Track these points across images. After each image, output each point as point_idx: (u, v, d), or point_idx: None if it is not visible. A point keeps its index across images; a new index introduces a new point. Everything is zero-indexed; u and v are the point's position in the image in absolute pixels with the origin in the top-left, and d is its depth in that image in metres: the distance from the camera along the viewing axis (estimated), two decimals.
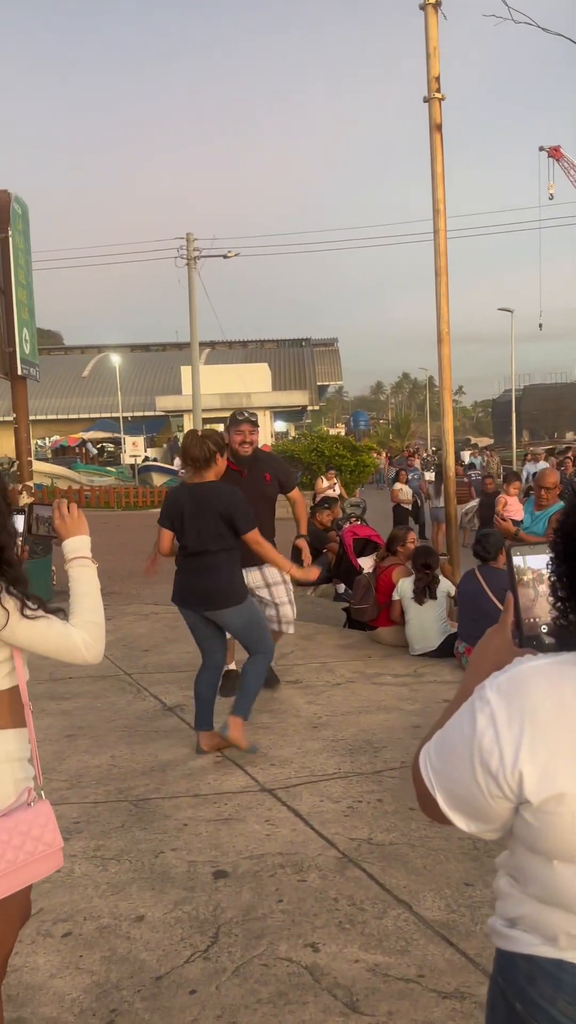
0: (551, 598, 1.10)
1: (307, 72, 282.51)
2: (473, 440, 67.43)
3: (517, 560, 1.18)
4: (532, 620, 1.17)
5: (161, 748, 4.65)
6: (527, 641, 1.16)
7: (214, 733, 4.58)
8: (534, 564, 1.18)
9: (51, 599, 2.49)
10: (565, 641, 1.08)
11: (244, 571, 4.89)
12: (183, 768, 4.35)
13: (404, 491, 16.15)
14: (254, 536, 4.42)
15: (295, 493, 5.75)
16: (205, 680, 4.61)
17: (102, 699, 5.61)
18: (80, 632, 1.96)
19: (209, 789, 4.08)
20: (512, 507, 10.20)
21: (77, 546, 2.11)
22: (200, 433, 4.50)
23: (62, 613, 1.99)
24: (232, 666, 5.69)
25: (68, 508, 2.15)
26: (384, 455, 38.20)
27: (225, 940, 2.81)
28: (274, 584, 5.46)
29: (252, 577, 5.18)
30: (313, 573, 5.04)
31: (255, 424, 5.45)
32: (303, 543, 5.88)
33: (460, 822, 1.12)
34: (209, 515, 4.32)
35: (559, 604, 1.08)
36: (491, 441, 62.87)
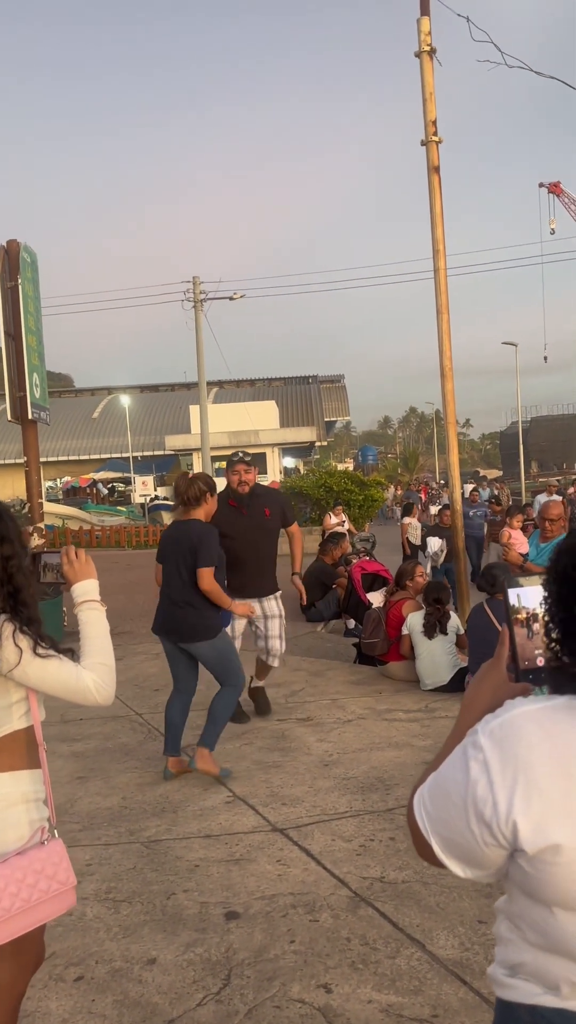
0: (545, 638, 1.10)
1: (311, 114, 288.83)
2: (482, 472, 67.48)
3: (512, 595, 1.17)
4: (530, 655, 1.15)
5: (172, 789, 4.65)
6: (523, 676, 1.15)
7: (183, 759, 4.81)
8: (529, 600, 1.17)
9: (62, 640, 2.53)
10: (559, 683, 1.07)
11: (244, 601, 5.20)
12: (194, 808, 4.35)
13: (413, 525, 16.15)
14: (206, 573, 4.60)
15: (294, 527, 5.93)
16: (175, 706, 4.83)
17: (113, 740, 5.61)
18: (91, 674, 2.00)
19: (220, 829, 4.07)
20: (516, 539, 10.18)
21: (86, 590, 2.16)
22: (190, 475, 4.83)
23: (71, 653, 2.03)
24: (260, 683, 6.04)
25: (76, 554, 2.20)
26: (396, 487, 38.27)
27: (237, 982, 2.80)
28: (270, 617, 5.69)
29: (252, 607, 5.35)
30: (244, 609, 5.09)
31: (249, 464, 5.68)
32: (297, 582, 6.07)
33: (455, 867, 1.11)
34: (184, 550, 4.63)
35: (552, 644, 1.07)
36: (500, 473, 62.87)
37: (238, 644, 5.41)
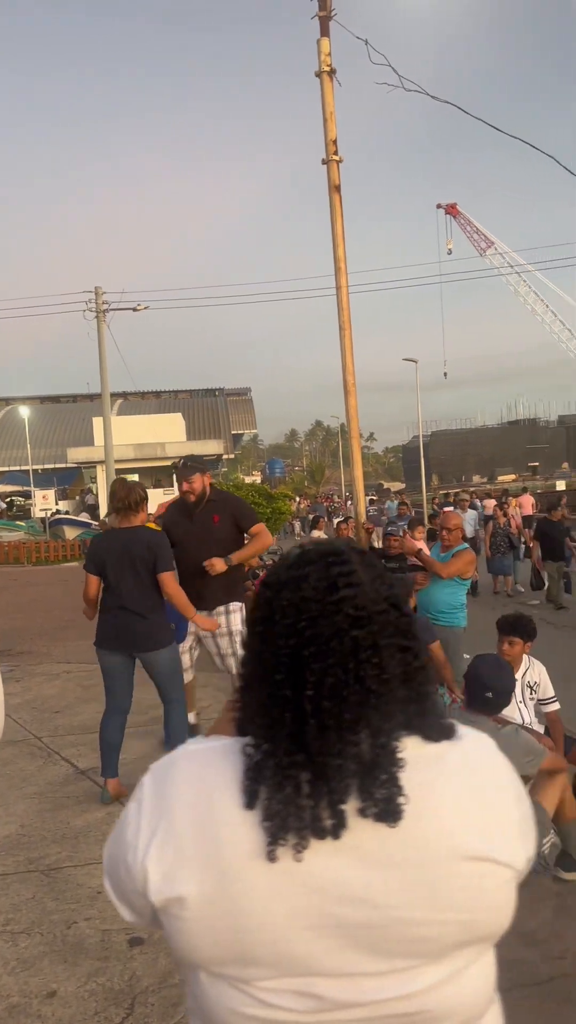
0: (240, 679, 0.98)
1: (221, 127, 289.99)
2: (386, 485, 68.96)
3: None
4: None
5: (73, 814, 4.51)
6: None
7: (119, 781, 4.63)
8: None
9: None
10: (241, 727, 0.96)
11: (205, 614, 5.06)
12: (97, 834, 4.22)
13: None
14: (169, 578, 4.53)
15: (255, 528, 5.44)
16: (111, 725, 4.67)
17: (11, 765, 5.40)
18: None
19: None
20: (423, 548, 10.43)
21: None
22: (128, 481, 4.72)
23: None
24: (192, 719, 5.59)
25: None
26: (301, 500, 38.58)
27: (141, 1010, 2.73)
28: (235, 633, 5.29)
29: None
30: (211, 624, 5.05)
31: (194, 471, 5.34)
32: (217, 561, 5.17)
33: (123, 911, 0.99)
34: (135, 559, 4.50)
35: (240, 684, 0.98)
36: (403, 486, 64.44)
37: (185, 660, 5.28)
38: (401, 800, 0.87)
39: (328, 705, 0.88)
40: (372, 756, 0.88)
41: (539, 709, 4.74)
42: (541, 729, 4.58)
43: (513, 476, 68.90)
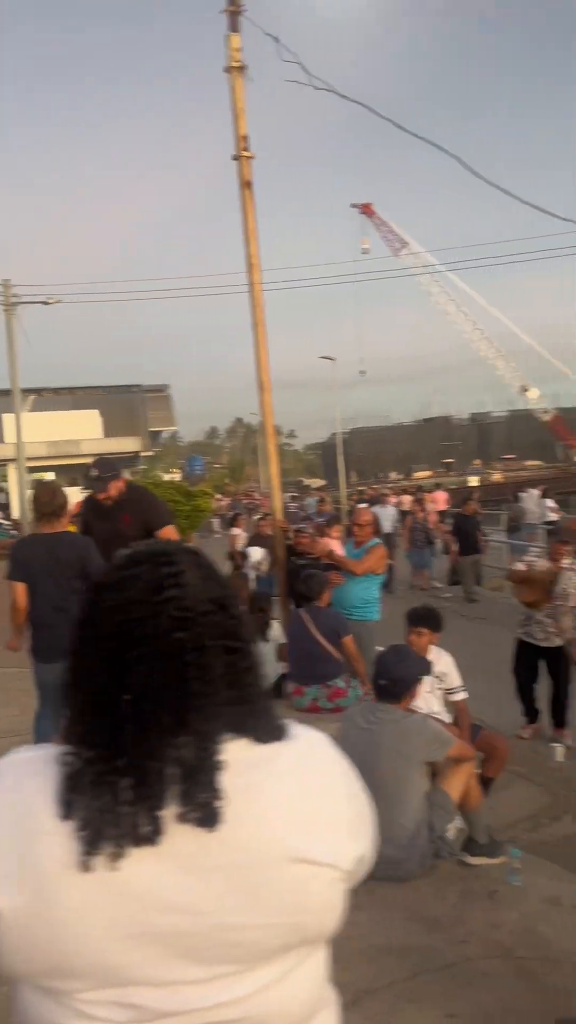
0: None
1: (137, 120, 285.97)
2: (306, 482, 69.49)
3: None
4: None
5: None
6: None
7: None
8: None
9: None
10: (66, 734, 0.94)
11: None
12: None
13: (241, 536, 16.23)
14: None
15: (165, 531, 5.31)
16: (49, 724, 4.54)
17: None
18: None
19: None
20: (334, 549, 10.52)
21: None
22: (50, 485, 4.68)
23: None
24: None
25: None
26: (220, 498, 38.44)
27: None
28: None
29: None
30: None
31: (107, 481, 5.21)
32: None
33: None
34: (65, 565, 4.40)
35: (64, 690, 0.95)
36: (324, 483, 65.06)
37: None
38: (219, 804, 0.86)
39: (149, 708, 0.87)
40: (194, 760, 0.87)
41: (447, 699, 4.85)
42: (448, 719, 4.69)
43: (429, 472, 70.39)
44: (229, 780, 0.88)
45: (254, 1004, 0.89)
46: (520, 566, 6.70)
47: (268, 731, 0.94)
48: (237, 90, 8.11)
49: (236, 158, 8.16)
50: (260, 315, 8.21)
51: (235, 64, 8.04)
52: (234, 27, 8.09)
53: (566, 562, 6.43)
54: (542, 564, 6.52)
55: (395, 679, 3.51)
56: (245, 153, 8.12)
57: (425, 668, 3.93)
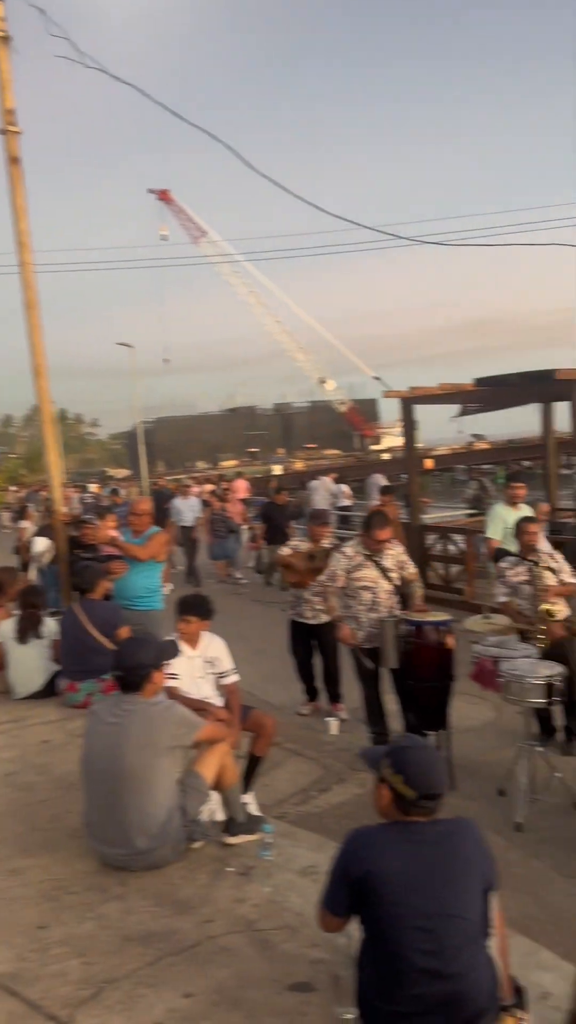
0: None
1: None
2: (110, 471, 67.89)
3: None
4: None
5: None
6: None
7: None
8: None
9: None
10: None
11: None
12: None
13: (29, 529, 15.54)
14: None
15: None
16: None
17: None
18: None
19: None
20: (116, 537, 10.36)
21: None
22: None
23: None
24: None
25: None
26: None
27: None
28: None
29: None
30: None
31: None
32: None
33: None
34: None
35: None
36: (129, 472, 63.88)
37: None
38: None
39: None
40: None
41: (219, 683, 4.92)
42: (221, 702, 4.75)
43: (235, 461, 71.24)
44: None
45: None
46: (285, 551, 6.96)
47: None
48: (2, 61, 7.68)
49: (3, 132, 7.75)
50: (32, 296, 7.86)
51: None
52: None
53: (326, 543, 6.79)
54: (305, 547, 6.82)
55: (129, 668, 3.50)
56: (12, 128, 7.71)
57: (168, 653, 3.93)
